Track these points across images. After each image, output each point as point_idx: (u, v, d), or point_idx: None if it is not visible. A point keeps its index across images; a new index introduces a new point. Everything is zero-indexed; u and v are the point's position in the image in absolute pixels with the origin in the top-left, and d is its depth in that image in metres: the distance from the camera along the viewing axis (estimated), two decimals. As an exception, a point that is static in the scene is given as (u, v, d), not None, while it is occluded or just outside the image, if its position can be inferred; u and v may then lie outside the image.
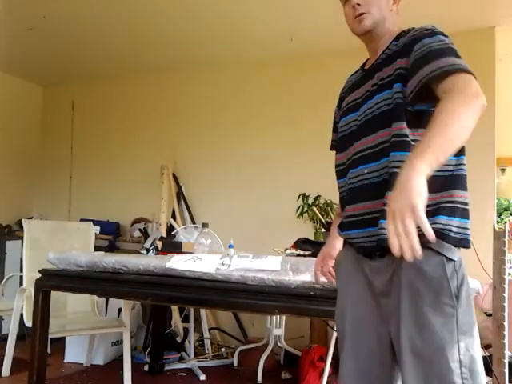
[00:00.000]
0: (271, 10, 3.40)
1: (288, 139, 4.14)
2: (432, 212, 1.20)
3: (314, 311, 1.93)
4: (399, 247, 0.99)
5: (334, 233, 1.62)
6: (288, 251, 2.71)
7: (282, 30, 3.70)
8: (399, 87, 1.28)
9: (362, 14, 1.40)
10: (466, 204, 1.27)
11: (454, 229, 1.23)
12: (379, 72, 1.37)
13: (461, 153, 1.27)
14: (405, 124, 1.26)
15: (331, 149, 1.67)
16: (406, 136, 1.25)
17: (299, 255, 2.58)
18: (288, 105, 4.19)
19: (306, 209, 3.65)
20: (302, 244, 2.77)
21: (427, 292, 1.19)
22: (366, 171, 1.34)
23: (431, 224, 1.02)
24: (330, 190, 3.78)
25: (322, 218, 3.39)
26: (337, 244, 1.62)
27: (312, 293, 1.87)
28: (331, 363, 2.91)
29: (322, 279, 1.70)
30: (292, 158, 4.12)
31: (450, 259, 1.21)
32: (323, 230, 3.28)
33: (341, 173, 1.48)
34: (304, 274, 1.93)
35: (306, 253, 2.62)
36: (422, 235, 0.99)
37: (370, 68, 1.45)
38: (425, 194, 1.00)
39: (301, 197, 3.73)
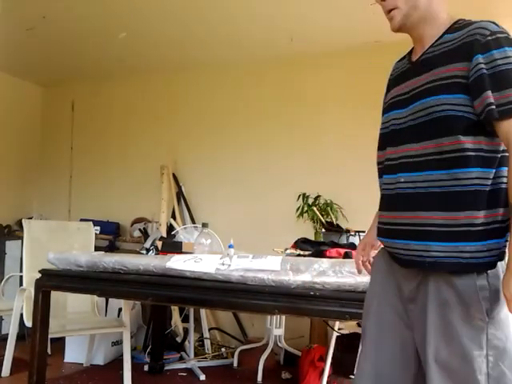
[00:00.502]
0: (271, 10, 3.40)
1: (288, 139, 4.14)
2: (481, 233, 1.16)
3: (314, 311, 1.94)
4: None
5: (375, 221, 1.56)
6: (288, 251, 2.71)
7: (282, 30, 3.71)
8: (461, 98, 1.17)
9: (391, 10, 1.31)
10: (504, 222, 1.18)
11: (493, 252, 1.17)
12: (431, 70, 1.24)
13: (501, 164, 1.18)
14: (465, 137, 1.17)
15: None
16: (468, 150, 1.17)
17: (299, 255, 2.58)
18: (288, 105, 4.19)
19: (305, 209, 3.65)
20: (301, 244, 2.77)
21: (456, 303, 1.16)
22: (402, 180, 1.28)
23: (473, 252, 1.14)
24: (330, 190, 3.81)
25: (321, 218, 3.40)
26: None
27: (312, 293, 1.87)
28: (331, 363, 2.91)
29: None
30: (292, 157, 4.11)
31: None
32: (323, 230, 3.28)
33: (380, 172, 1.44)
34: (304, 273, 1.93)
35: (306, 253, 2.62)
36: (474, 264, 1.14)
37: (419, 61, 1.31)
38: None
39: (301, 197, 3.73)
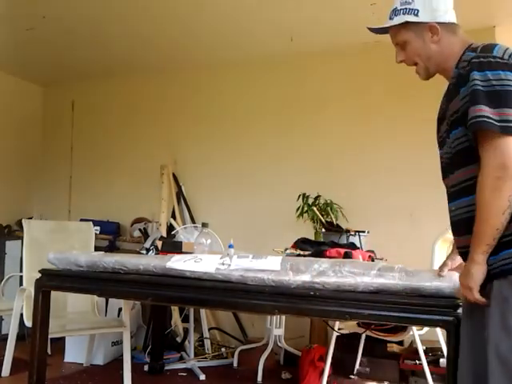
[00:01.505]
0: (271, 10, 3.40)
1: (288, 139, 4.14)
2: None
3: (314, 311, 1.93)
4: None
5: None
6: (288, 251, 2.71)
7: (282, 29, 3.70)
8: (464, 129, 1.32)
9: (415, 67, 1.50)
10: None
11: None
12: (448, 107, 1.41)
13: None
14: (474, 166, 1.31)
15: None
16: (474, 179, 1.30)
17: (299, 255, 2.58)
18: (288, 105, 4.19)
19: (305, 209, 3.65)
20: (301, 244, 2.77)
21: None
22: (453, 208, 1.44)
23: None
24: (330, 190, 3.81)
25: (321, 218, 3.40)
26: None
27: (312, 293, 1.87)
28: (331, 363, 2.91)
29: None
30: (292, 157, 4.11)
31: None
32: (323, 230, 3.29)
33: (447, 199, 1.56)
34: (304, 274, 1.93)
35: (306, 253, 2.62)
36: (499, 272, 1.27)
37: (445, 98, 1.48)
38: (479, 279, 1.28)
39: (301, 197, 3.73)
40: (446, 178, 1.50)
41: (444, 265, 1.72)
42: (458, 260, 1.66)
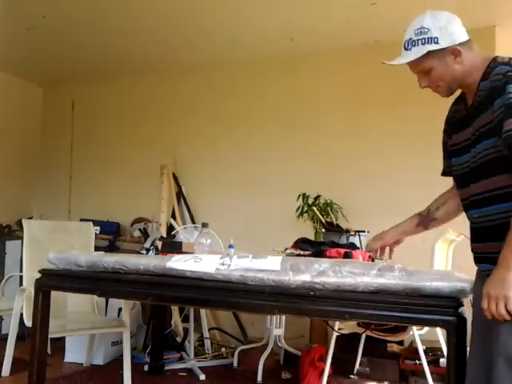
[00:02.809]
0: (271, 10, 3.40)
1: (288, 139, 4.14)
2: None
3: (314, 311, 1.93)
4: (495, 316, 1.30)
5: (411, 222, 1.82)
6: (288, 251, 2.71)
7: (282, 29, 3.71)
8: (496, 140, 1.36)
9: (436, 89, 1.53)
10: None
11: None
12: (478, 118, 1.43)
13: None
14: (504, 175, 1.36)
15: (442, 174, 1.74)
16: (506, 188, 1.36)
17: (299, 255, 2.58)
18: (288, 105, 4.19)
19: (305, 209, 3.65)
20: (301, 244, 2.77)
21: None
22: (475, 215, 1.48)
23: None
24: (330, 190, 3.81)
25: (321, 218, 3.40)
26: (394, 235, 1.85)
27: (312, 293, 1.87)
28: (331, 363, 2.91)
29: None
30: (292, 158, 4.11)
31: None
32: (323, 230, 3.28)
33: (464, 208, 1.58)
34: (304, 274, 1.92)
35: (306, 253, 2.62)
36: None
37: (470, 109, 1.50)
38: None
39: (301, 197, 3.73)
40: (464, 187, 1.53)
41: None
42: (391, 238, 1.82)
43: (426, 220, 1.79)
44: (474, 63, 1.46)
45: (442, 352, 2.96)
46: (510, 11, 3.30)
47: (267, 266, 1.99)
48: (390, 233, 1.86)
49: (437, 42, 1.44)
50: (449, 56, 1.45)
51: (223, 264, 2.07)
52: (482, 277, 1.49)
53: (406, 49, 1.50)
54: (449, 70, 1.47)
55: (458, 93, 1.61)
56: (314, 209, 3.53)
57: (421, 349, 2.75)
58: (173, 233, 3.79)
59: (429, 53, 1.45)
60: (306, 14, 3.44)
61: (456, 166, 1.57)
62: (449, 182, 1.74)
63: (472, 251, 1.55)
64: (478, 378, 1.45)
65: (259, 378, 3.15)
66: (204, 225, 2.65)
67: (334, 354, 2.88)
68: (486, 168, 1.41)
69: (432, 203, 1.80)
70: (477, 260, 1.54)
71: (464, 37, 1.47)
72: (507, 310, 1.27)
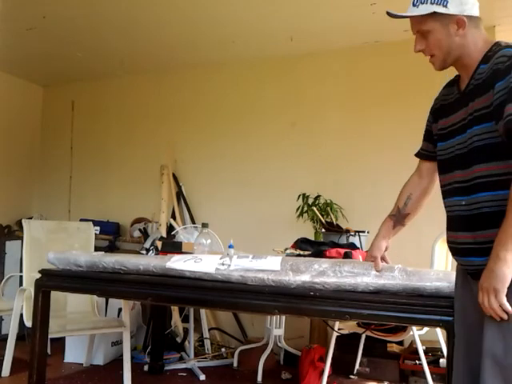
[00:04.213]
0: (271, 10, 3.40)
1: (288, 139, 4.14)
2: None
3: (314, 311, 1.93)
4: (488, 311, 1.27)
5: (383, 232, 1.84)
6: (288, 251, 2.71)
7: (282, 29, 3.70)
8: (492, 125, 1.31)
9: (430, 57, 1.47)
10: None
11: None
12: (472, 102, 1.38)
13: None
14: (497, 163, 1.31)
15: (417, 155, 1.76)
16: (498, 175, 1.30)
17: (299, 255, 2.58)
18: (288, 105, 4.19)
19: (305, 209, 3.65)
20: (301, 244, 2.77)
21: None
22: (463, 203, 1.41)
23: None
24: (329, 190, 3.81)
25: (321, 218, 3.39)
26: (382, 245, 1.84)
27: (312, 293, 1.87)
28: (331, 363, 2.91)
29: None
30: (292, 157, 4.11)
31: None
32: (323, 230, 3.28)
33: (444, 194, 1.53)
34: (304, 274, 1.93)
35: (306, 253, 2.62)
36: None
37: (464, 93, 1.45)
38: (507, 280, 1.22)
39: (301, 197, 3.73)
40: (447, 172, 1.48)
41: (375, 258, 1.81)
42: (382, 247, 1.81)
43: (399, 218, 1.81)
44: (475, 42, 1.41)
45: (441, 352, 2.96)
46: (510, 11, 3.30)
47: (267, 266, 1.99)
48: (377, 244, 1.85)
49: (445, 6, 1.38)
50: (452, 25, 1.40)
51: (223, 264, 2.07)
52: (465, 274, 1.45)
53: (414, 5, 1.44)
54: (448, 40, 1.41)
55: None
56: (314, 209, 3.53)
57: (421, 349, 2.74)
58: (173, 233, 3.79)
59: (434, 14, 1.39)
60: (306, 14, 3.44)
61: (441, 151, 1.52)
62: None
63: (452, 243, 1.48)
64: (461, 380, 1.44)
65: (259, 378, 3.15)
66: (204, 225, 2.65)
67: (333, 354, 2.88)
68: (479, 154, 1.34)
69: (398, 201, 1.82)
70: (461, 252, 1.44)
71: (475, 11, 1.41)
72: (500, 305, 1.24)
